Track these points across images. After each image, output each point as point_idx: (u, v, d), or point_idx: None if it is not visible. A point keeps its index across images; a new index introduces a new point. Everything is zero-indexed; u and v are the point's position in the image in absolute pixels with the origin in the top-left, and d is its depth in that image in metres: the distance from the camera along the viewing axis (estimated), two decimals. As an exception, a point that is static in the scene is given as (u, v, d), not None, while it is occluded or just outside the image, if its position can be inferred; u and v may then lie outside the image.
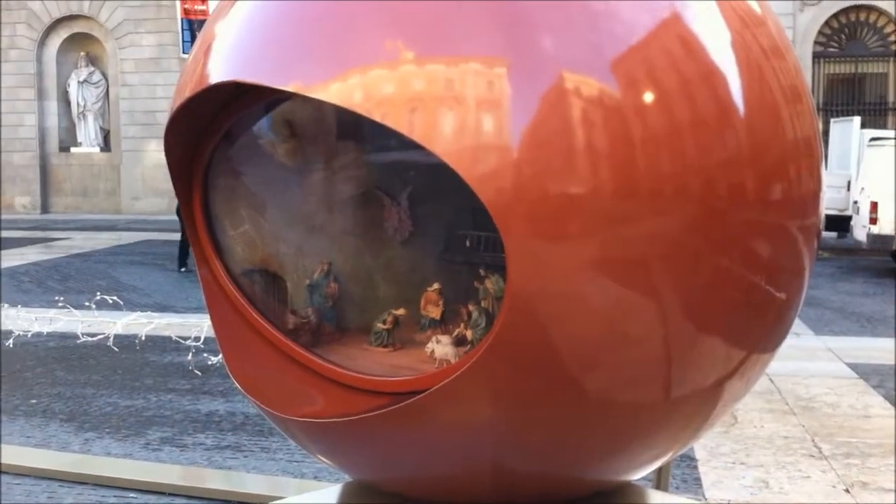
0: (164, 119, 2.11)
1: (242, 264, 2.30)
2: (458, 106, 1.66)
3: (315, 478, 4.32)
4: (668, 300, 1.72)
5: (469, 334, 2.01)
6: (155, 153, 25.01)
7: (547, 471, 1.91)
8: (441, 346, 2.01)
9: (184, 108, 1.99)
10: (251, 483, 4.29)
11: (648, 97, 1.68)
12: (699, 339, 1.79)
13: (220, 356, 2.25)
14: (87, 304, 7.29)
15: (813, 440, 5.28)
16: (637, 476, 2.14)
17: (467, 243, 2.10)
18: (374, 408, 1.87)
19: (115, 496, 4.18)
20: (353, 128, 2.20)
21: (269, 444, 4.83)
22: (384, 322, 2.17)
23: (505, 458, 1.85)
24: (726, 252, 1.75)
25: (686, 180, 1.69)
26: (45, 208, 24.88)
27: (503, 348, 1.68)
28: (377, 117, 1.69)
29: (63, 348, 7.22)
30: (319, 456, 2.18)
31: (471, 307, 2.03)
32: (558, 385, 1.74)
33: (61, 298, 7.75)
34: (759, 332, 1.91)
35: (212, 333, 2.25)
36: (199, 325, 6.40)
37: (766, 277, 1.83)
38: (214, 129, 2.16)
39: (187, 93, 1.94)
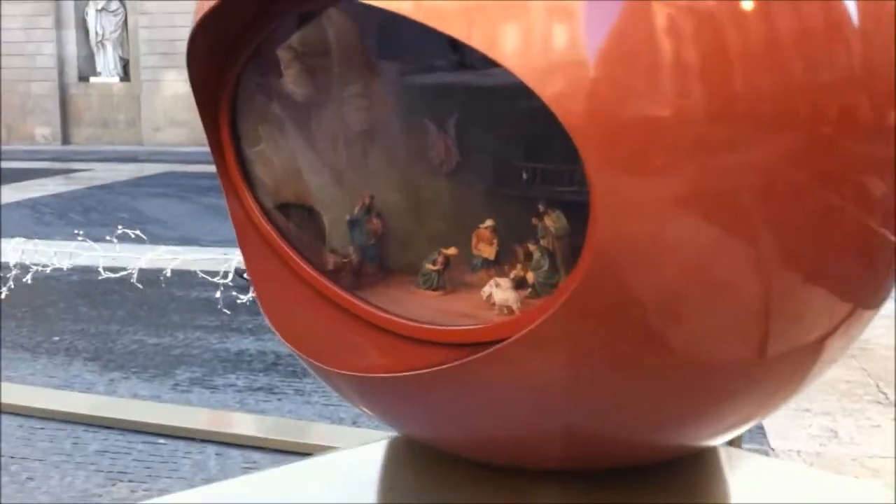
0: (184, 48, 1.93)
1: (274, 197, 2.10)
2: (524, 14, 1.43)
3: (354, 423, 4.17)
4: (767, 242, 1.49)
5: (530, 277, 1.81)
6: (175, 83, 24.76)
7: (623, 434, 1.71)
8: (501, 291, 1.80)
9: (209, 19, 1.77)
10: (284, 429, 4.14)
11: (747, 4, 1.45)
12: (802, 288, 1.56)
13: (251, 293, 2.07)
14: (107, 238, 7.15)
15: (877, 385, 5.07)
16: (710, 443, 1.94)
17: (524, 176, 1.89)
18: (433, 363, 1.67)
19: (143, 441, 4.04)
20: (394, 46, 1.98)
21: (303, 386, 4.69)
22: (434, 263, 1.96)
23: (579, 418, 1.65)
24: (835, 187, 1.51)
25: (789, 102, 1.45)
26: (65, 139, 24.77)
27: (584, 298, 1.47)
28: (428, 22, 1.46)
29: (86, 283, 7.11)
30: (364, 409, 1.99)
31: (531, 246, 1.82)
32: (640, 339, 1.53)
33: (80, 232, 7.61)
34: (870, 282, 1.68)
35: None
36: (226, 260, 6.25)
37: (881, 219, 1.59)
38: (241, 48, 1.95)
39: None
